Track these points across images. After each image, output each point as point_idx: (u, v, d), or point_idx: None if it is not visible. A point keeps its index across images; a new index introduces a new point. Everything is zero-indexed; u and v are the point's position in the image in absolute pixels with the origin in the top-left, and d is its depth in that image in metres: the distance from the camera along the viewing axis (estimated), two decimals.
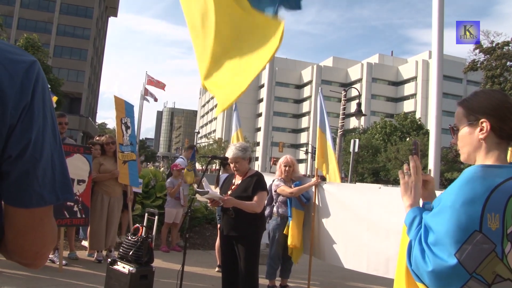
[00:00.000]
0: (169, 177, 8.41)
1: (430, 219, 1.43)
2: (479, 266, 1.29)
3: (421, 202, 1.67)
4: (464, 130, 1.59)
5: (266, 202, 5.64)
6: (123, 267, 4.61)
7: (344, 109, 22.96)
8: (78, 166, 6.13)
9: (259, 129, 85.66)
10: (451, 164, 42.25)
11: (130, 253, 4.67)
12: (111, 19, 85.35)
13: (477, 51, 36.73)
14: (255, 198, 4.47)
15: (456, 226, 1.32)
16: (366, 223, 5.17)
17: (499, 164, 1.47)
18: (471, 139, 1.56)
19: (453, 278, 1.31)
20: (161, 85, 17.15)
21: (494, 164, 1.46)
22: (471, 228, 1.30)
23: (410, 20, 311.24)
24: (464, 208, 1.33)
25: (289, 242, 5.77)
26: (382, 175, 49.95)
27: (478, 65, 37.15)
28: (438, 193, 1.69)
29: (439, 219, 1.38)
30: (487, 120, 1.51)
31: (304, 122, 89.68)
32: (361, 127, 63.30)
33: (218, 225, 6.34)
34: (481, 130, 1.53)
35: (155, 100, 17.23)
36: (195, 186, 7.90)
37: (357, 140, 25.25)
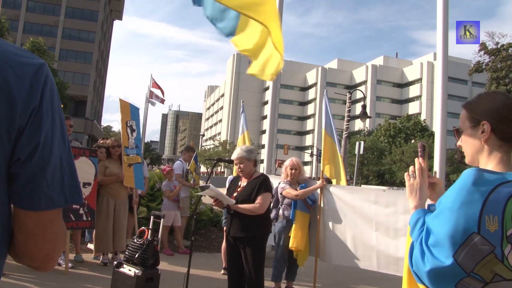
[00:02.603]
0: None
1: (430, 220, 1.44)
2: (476, 266, 1.30)
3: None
4: (467, 133, 1.61)
5: (272, 204, 5.64)
6: (129, 270, 4.62)
7: (349, 111, 22.91)
8: (84, 169, 6.15)
9: (264, 132, 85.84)
10: (457, 166, 42.06)
11: (136, 255, 4.69)
12: (116, 22, 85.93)
13: (482, 52, 36.57)
14: (258, 199, 4.46)
15: (454, 228, 1.32)
16: (374, 224, 5.18)
17: (501, 166, 1.49)
18: (473, 142, 1.58)
19: (450, 277, 1.33)
20: (161, 91, 17.01)
21: (491, 170, 1.47)
22: (469, 230, 1.30)
23: (416, 21, 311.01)
24: (462, 210, 1.33)
25: (290, 245, 5.76)
26: (387, 177, 49.78)
27: (483, 66, 36.97)
28: None
29: (438, 220, 1.40)
30: (488, 122, 1.53)
31: (309, 124, 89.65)
32: (366, 129, 63.17)
33: (224, 228, 6.35)
34: (482, 132, 1.54)
35: (162, 102, 17.09)
36: (201, 182, 7.91)
37: (362, 142, 25.19)
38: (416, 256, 1.41)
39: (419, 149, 1.75)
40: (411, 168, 1.72)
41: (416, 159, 1.72)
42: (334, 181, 6.27)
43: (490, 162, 1.52)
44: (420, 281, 1.42)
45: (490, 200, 1.32)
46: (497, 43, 35.93)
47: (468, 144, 1.61)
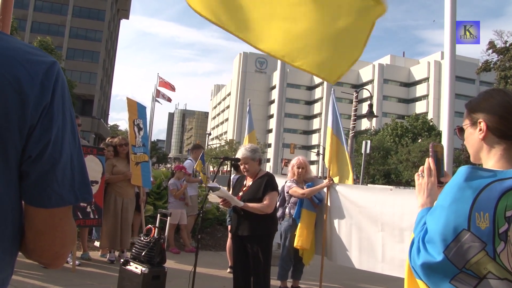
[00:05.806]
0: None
1: (427, 218, 1.47)
2: (467, 263, 1.30)
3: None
4: (467, 131, 1.63)
5: (278, 203, 5.64)
6: (135, 268, 4.65)
7: (355, 110, 22.82)
8: (91, 167, 6.17)
9: (270, 131, 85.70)
10: (464, 165, 41.82)
11: (143, 253, 4.71)
12: (123, 22, 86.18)
13: (490, 51, 36.30)
14: (266, 198, 4.47)
15: (444, 225, 1.34)
16: (380, 224, 5.15)
17: (501, 164, 1.50)
18: (473, 140, 1.59)
19: (443, 273, 1.34)
20: (171, 87, 16.99)
21: (485, 168, 1.48)
22: (459, 226, 1.31)
23: (424, 21, 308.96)
24: (453, 207, 1.35)
25: (295, 244, 5.76)
26: (393, 177, 49.61)
27: (491, 65, 36.70)
28: None
29: (431, 218, 1.42)
30: (484, 121, 1.54)
31: (316, 123, 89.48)
32: (372, 128, 62.98)
33: (229, 226, 6.35)
34: (480, 130, 1.55)
35: (169, 100, 17.07)
36: (209, 181, 7.90)
37: (368, 142, 25.11)
38: (413, 251, 1.44)
39: (429, 149, 1.76)
40: (420, 168, 1.73)
41: (426, 159, 1.73)
42: (336, 179, 6.18)
43: (490, 160, 1.53)
44: (418, 276, 1.43)
45: (481, 197, 1.33)
46: (506, 42, 35.66)
47: (469, 143, 1.63)
